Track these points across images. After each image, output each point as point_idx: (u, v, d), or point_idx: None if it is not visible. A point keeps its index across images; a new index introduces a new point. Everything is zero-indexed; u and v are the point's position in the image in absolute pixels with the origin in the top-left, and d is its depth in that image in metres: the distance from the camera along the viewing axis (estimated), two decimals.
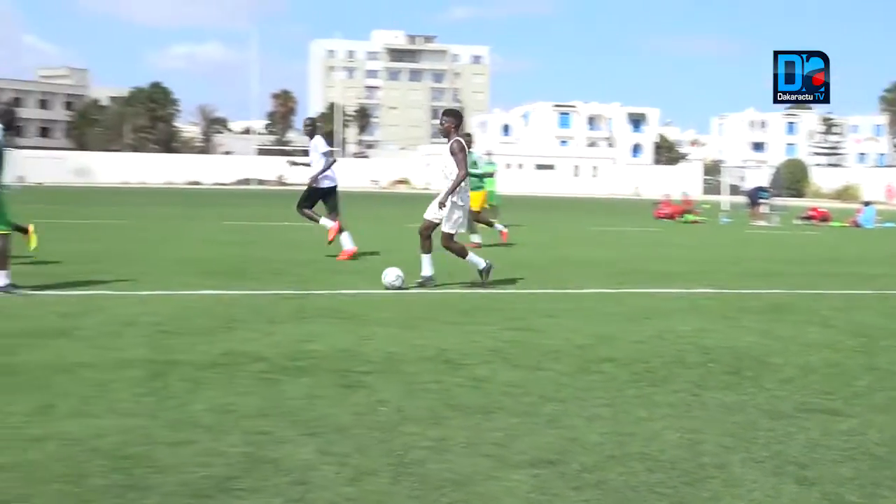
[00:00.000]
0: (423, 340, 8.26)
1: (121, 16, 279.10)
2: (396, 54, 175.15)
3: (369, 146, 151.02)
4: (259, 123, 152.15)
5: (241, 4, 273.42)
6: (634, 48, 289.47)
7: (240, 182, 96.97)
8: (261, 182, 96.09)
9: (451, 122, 11.90)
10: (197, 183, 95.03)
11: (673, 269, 15.60)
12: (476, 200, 19.18)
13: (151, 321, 8.93)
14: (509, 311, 10.14)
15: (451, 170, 11.93)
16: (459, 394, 6.32)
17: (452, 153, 11.85)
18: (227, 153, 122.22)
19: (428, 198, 13.87)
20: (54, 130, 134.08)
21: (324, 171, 16.18)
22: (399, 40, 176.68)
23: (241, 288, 11.59)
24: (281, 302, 10.50)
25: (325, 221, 16.22)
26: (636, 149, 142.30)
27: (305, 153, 17.24)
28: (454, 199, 11.91)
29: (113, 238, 19.96)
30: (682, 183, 79.26)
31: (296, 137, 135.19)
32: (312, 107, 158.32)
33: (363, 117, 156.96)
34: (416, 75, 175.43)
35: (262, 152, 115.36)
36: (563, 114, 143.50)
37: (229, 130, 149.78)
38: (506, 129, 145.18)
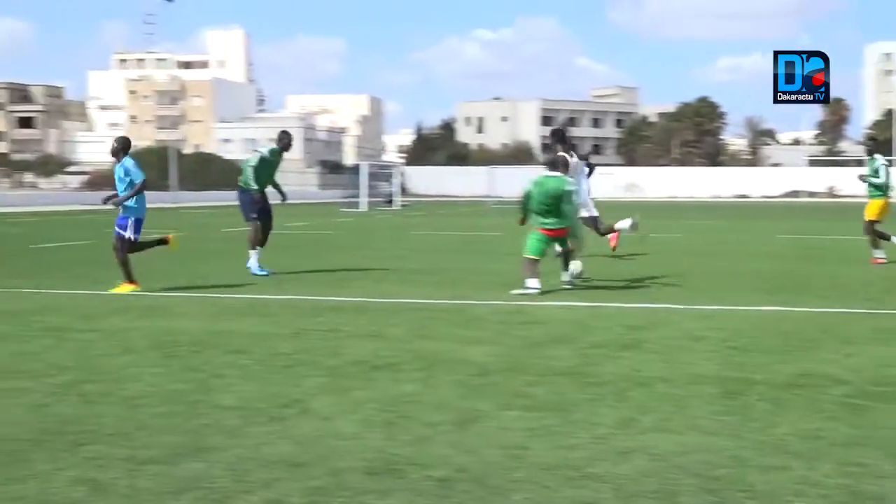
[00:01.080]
0: None
1: (667, 34, 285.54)
2: None
3: None
4: (809, 134, 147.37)
5: (788, 12, 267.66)
6: None
7: (788, 194, 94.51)
8: (811, 194, 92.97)
9: (553, 142, 14.44)
10: (744, 196, 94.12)
11: None
12: (874, 210, 16.98)
13: (719, 337, 8.80)
14: None
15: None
16: None
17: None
18: (775, 165, 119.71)
19: None
20: (605, 147, 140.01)
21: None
22: None
23: (806, 305, 11.10)
24: (852, 321, 9.88)
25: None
26: None
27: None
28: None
29: (667, 252, 20.16)
30: None
31: (848, 147, 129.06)
32: (867, 114, 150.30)
33: None
34: None
35: (813, 163, 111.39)
36: None
37: (777, 142, 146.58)
38: None
